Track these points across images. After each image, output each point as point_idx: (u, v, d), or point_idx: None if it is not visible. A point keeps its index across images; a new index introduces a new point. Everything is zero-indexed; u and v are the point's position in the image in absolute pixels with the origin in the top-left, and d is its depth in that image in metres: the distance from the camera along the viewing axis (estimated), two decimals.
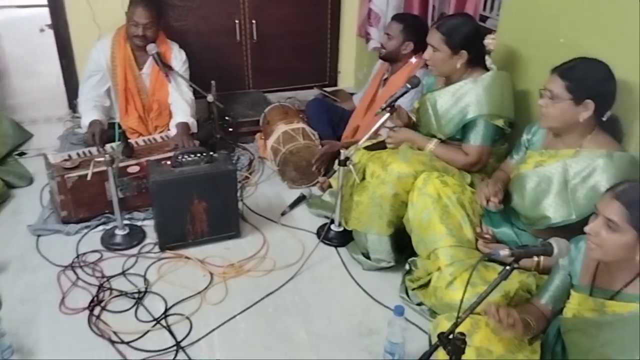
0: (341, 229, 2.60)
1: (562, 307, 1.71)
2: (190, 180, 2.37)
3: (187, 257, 2.44)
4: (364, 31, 3.73)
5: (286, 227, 2.72)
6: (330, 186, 2.87)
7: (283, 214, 2.81)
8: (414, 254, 2.27)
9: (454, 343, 1.46)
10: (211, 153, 2.48)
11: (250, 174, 3.15)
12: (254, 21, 3.77)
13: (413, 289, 2.24)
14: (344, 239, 2.58)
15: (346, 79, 4.24)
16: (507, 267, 1.49)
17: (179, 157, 2.41)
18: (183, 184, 2.37)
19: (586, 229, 1.50)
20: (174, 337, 2.03)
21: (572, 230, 1.73)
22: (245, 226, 2.69)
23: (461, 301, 1.51)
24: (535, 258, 1.96)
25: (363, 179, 2.46)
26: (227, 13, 3.72)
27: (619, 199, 1.43)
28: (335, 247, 2.57)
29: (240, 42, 3.83)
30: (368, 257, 2.43)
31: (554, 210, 1.92)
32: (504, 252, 1.51)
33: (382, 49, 2.95)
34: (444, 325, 1.74)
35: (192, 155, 2.44)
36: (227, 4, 3.70)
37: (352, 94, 3.54)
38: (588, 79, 1.82)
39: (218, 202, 2.45)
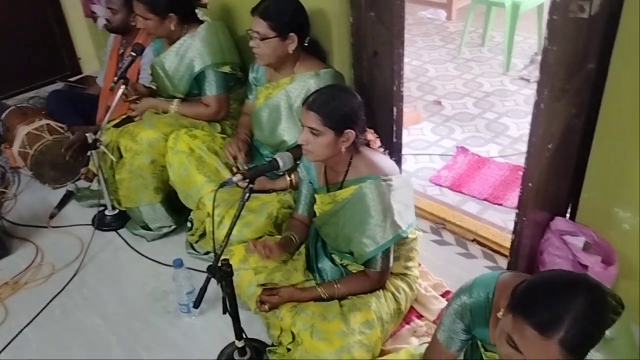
0: (116, 211, 2.59)
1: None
2: None
3: None
4: (89, 11, 3.58)
5: (58, 228, 2.61)
6: (95, 174, 2.79)
7: (52, 216, 2.67)
8: None
9: (220, 270, 1.62)
10: None
11: (5, 188, 2.91)
12: None
13: (196, 242, 2.35)
14: (123, 219, 2.57)
15: (89, 64, 4.03)
16: (246, 190, 1.67)
17: None
18: None
19: (298, 140, 1.74)
20: None
21: None
22: (12, 241, 2.51)
23: (228, 235, 1.64)
24: (288, 177, 2.19)
25: (121, 156, 2.46)
26: None
27: (311, 109, 1.68)
28: (116, 230, 2.55)
29: None
30: (149, 229, 2.47)
31: (287, 134, 2.17)
32: (236, 177, 1.68)
33: (109, 24, 2.87)
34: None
35: None
36: None
37: (96, 78, 3.40)
38: (286, 14, 2.03)
39: None
